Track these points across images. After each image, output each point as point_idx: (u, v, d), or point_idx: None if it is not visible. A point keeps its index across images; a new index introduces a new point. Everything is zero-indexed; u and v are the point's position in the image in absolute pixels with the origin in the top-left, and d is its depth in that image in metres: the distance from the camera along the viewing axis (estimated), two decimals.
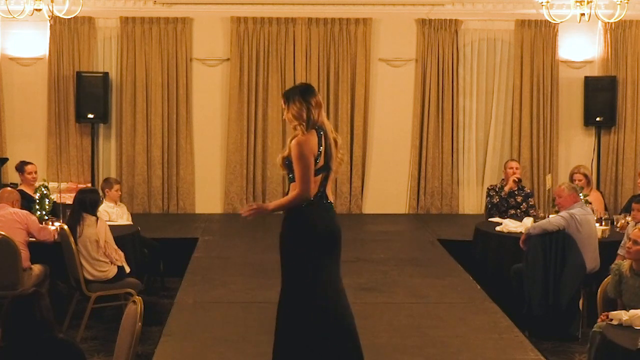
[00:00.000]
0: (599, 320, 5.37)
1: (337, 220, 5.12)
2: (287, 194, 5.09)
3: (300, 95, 5.03)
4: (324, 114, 5.07)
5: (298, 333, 5.01)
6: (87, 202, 7.02)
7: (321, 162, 4.97)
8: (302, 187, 4.90)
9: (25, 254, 7.02)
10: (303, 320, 5.00)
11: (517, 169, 9.21)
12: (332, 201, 5.14)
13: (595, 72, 11.33)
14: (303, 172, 4.90)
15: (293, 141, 4.98)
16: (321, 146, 4.97)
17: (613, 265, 5.77)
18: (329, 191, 5.09)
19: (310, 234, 4.98)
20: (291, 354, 5.04)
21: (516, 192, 9.12)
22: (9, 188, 7.90)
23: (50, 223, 7.71)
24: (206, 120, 11.32)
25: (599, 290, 5.84)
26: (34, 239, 7.21)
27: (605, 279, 5.90)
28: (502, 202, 9.03)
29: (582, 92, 11.26)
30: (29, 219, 7.18)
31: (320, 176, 4.98)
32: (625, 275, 5.54)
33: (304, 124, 4.96)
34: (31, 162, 8.93)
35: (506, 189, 8.98)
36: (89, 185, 10.71)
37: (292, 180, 5.03)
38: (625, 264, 5.62)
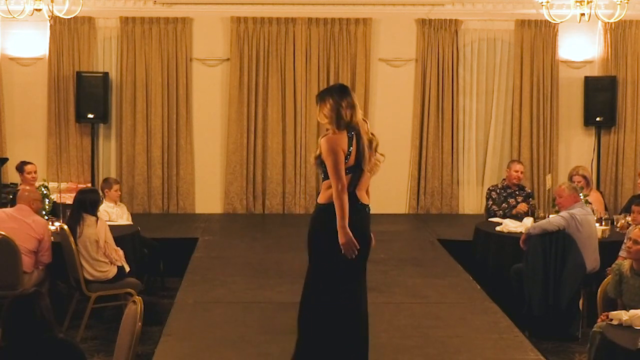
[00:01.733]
0: (599, 320, 5.38)
1: (364, 222, 5.10)
2: (319, 193, 5.17)
3: (333, 95, 5.07)
4: (359, 115, 5.08)
5: (316, 330, 5.09)
6: (87, 202, 7.02)
7: (351, 161, 5.00)
8: (335, 182, 4.95)
9: (31, 260, 7.00)
10: (320, 317, 5.07)
11: (521, 172, 9.22)
12: (367, 203, 5.13)
13: (595, 72, 11.33)
14: (334, 167, 4.95)
15: (322, 139, 5.04)
16: (351, 147, 5.00)
17: (613, 266, 5.78)
18: (362, 193, 5.10)
19: (329, 233, 4.99)
20: (313, 348, 5.10)
21: (517, 193, 9.13)
22: (28, 187, 7.86)
23: (50, 223, 7.70)
24: (206, 120, 11.31)
25: (599, 290, 5.84)
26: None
27: (605, 279, 5.90)
28: (503, 202, 9.04)
29: (582, 92, 11.25)
30: (45, 235, 7.06)
31: (349, 176, 5.00)
32: (625, 275, 5.54)
33: (334, 124, 5.02)
34: (31, 162, 8.92)
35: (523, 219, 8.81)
36: (89, 185, 10.70)
37: (324, 178, 5.09)
38: (625, 264, 5.62)
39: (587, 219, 7.18)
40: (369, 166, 5.07)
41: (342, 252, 4.97)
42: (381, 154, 5.18)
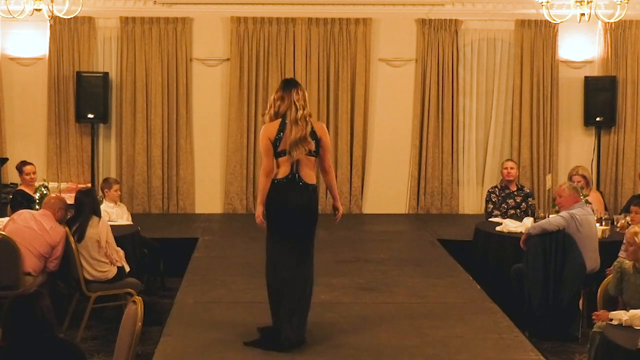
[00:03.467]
0: (593, 317, 5.41)
1: (299, 195, 5.77)
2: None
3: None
4: (296, 102, 5.73)
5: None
6: (95, 204, 7.07)
7: (281, 146, 5.73)
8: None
9: (40, 264, 6.99)
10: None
11: (511, 168, 9.21)
12: (311, 182, 5.80)
13: (595, 72, 11.33)
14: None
15: None
16: (281, 133, 5.73)
17: (615, 263, 5.77)
18: (307, 171, 5.79)
19: (269, 207, 5.81)
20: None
21: (516, 192, 9.13)
22: (54, 195, 7.84)
23: None
24: (206, 120, 11.31)
25: (599, 290, 5.84)
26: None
27: (606, 279, 5.91)
28: (502, 203, 9.05)
29: (582, 92, 11.26)
30: (59, 244, 7.03)
31: (285, 159, 5.73)
32: (627, 273, 5.54)
33: (271, 112, 5.83)
34: (30, 162, 8.91)
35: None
36: (89, 185, 10.71)
37: None
38: (627, 262, 5.62)
39: (588, 219, 7.18)
40: (298, 149, 5.70)
41: (269, 224, 5.80)
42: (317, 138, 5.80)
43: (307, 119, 5.74)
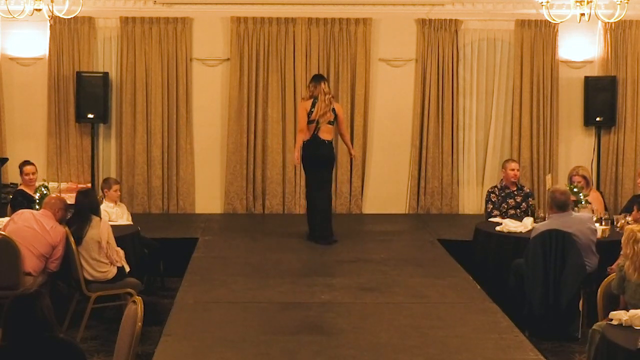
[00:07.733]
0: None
1: (321, 149, 9.12)
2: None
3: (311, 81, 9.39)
4: (324, 90, 9.07)
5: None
6: (94, 204, 7.06)
7: (312, 116, 8.99)
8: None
9: (40, 264, 6.99)
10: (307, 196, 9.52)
11: (517, 170, 9.20)
12: (326, 139, 9.13)
13: (595, 72, 11.33)
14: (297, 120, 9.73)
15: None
16: (312, 108, 9.01)
17: (619, 262, 5.78)
18: (323, 134, 9.09)
19: (303, 158, 9.14)
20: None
21: (516, 192, 9.13)
22: (54, 195, 7.85)
23: None
24: (206, 120, 11.31)
25: (599, 290, 5.84)
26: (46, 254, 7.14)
27: (606, 279, 5.91)
28: (502, 203, 9.05)
29: (582, 92, 11.25)
30: (60, 244, 7.06)
31: (312, 125, 9.02)
32: (628, 273, 5.54)
33: (307, 95, 9.24)
34: (32, 162, 8.92)
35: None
36: (89, 185, 10.71)
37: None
38: (628, 262, 5.62)
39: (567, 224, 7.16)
40: (322, 119, 9.04)
41: (306, 167, 9.25)
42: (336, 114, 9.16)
43: (331, 100, 9.14)
